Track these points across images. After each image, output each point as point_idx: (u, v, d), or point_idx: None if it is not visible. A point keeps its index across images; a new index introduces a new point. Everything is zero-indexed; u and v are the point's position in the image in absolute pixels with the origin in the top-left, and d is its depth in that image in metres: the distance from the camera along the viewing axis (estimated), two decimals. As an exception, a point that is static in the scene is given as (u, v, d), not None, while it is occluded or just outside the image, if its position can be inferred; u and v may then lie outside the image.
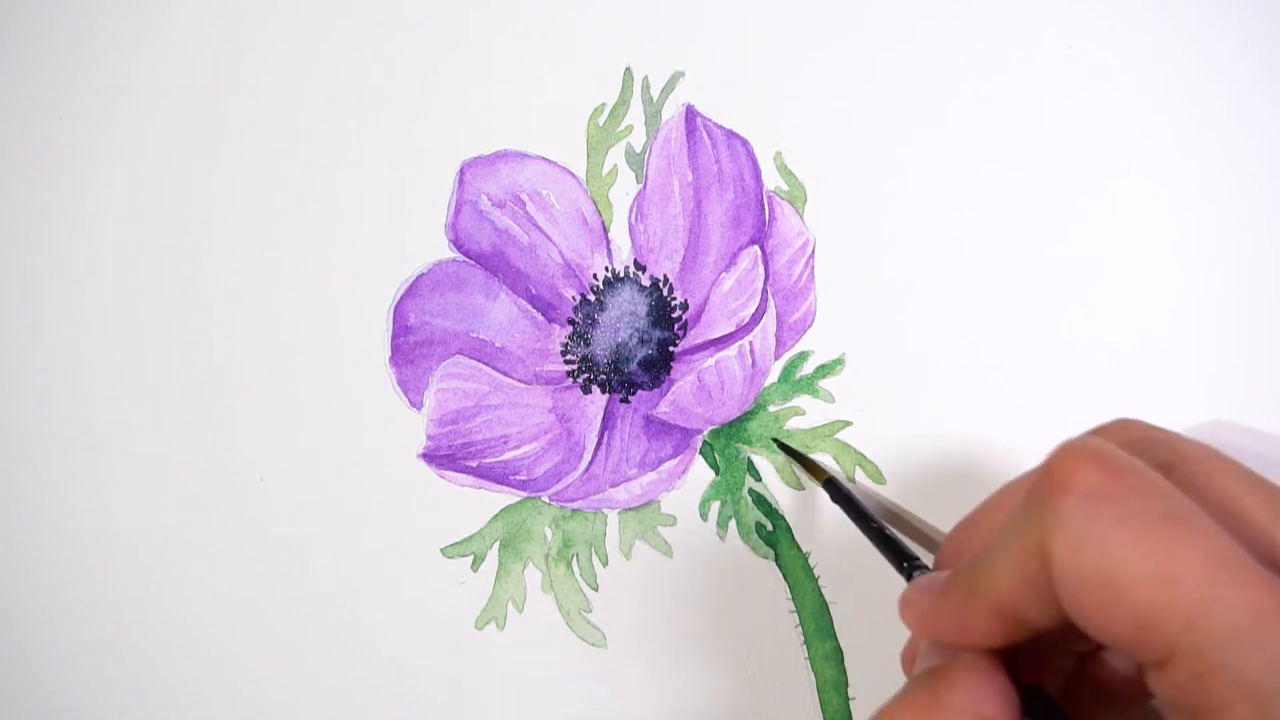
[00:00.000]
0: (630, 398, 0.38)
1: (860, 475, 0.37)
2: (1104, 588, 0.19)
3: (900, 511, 0.35)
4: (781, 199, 0.38)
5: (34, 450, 0.39)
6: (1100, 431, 0.24)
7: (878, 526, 0.31)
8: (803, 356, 0.38)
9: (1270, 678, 0.18)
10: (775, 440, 0.37)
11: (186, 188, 0.40)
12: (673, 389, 0.37)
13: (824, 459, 0.37)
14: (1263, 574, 0.19)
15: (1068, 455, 0.21)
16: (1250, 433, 0.36)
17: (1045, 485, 0.20)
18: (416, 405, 0.38)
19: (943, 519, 0.38)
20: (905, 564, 0.28)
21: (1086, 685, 0.25)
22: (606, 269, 0.39)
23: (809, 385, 0.38)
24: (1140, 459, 0.21)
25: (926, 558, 0.29)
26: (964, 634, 0.22)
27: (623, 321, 0.38)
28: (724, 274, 0.38)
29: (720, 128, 0.38)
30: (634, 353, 0.38)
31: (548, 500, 0.38)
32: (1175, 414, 0.37)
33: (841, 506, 0.34)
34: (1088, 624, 0.20)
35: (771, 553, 0.37)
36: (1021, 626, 0.21)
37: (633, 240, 0.39)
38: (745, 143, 0.38)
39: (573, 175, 0.39)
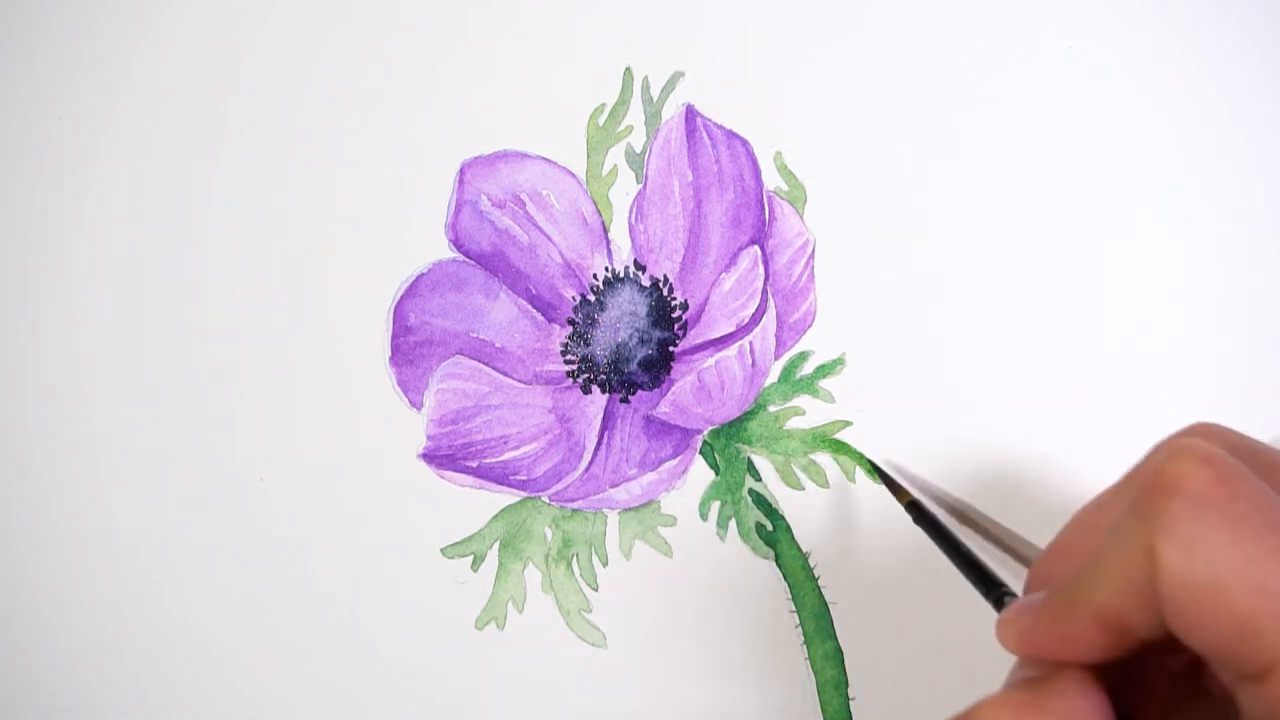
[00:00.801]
0: (630, 398, 0.38)
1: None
2: (1208, 593, 0.19)
3: (987, 523, 0.34)
4: (781, 199, 0.38)
5: (34, 450, 0.39)
6: (1190, 433, 0.23)
7: (965, 553, 0.30)
8: (803, 356, 0.38)
9: None
10: (870, 462, 0.37)
11: (186, 188, 0.40)
12: (673, 389, 0.37)
13: (911, 482, 0.36)
14: None
15: (1176, 456, 0.20)
16: None
17: (1155, 487, 0.20)
18: (416, 405, 0.38)
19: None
20: (993, 591, 0.28)
21: None
22: (606, 269, 0.39)
23: (809, 385, 0.38)
24: None
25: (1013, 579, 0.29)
26: (1065, 647, 0.22)
27: (623, 321, 0.38)
28: (724, 274, 0.38)
29: (720, 128, 0.38)
30: (634, 353, 0.38)
31: (548, 500, 0.38)
32: (1175, 414, 0.37)
33: (925, 530, 0.32)
34: (1188, 631, 0.20)
35: (771, 553, 0.37)
36: (1124, 636, 0.21)
37: (633, 240, 0.39)
38: (745, 143, 0.38)
39: (573, 175, 0.39)
